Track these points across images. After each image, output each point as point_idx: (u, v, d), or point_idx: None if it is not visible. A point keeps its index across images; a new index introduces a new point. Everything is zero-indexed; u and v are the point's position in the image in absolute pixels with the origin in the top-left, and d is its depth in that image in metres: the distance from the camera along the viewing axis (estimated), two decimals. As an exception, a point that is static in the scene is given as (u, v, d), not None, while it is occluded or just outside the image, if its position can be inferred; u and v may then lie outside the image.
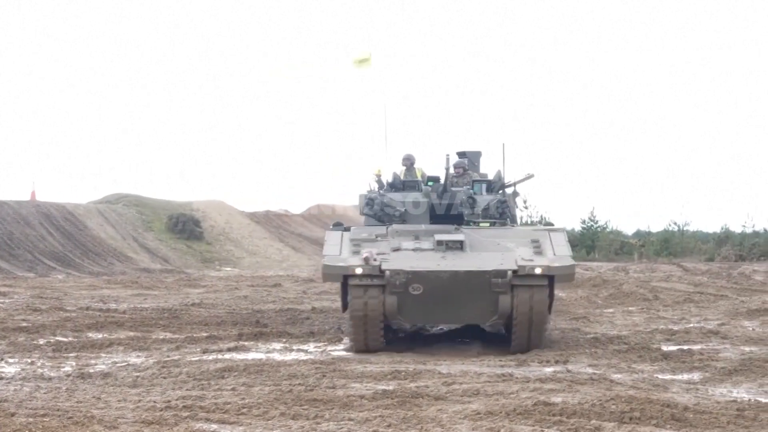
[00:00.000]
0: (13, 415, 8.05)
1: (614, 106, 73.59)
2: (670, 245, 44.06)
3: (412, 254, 12.43)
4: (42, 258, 33.60)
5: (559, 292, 22.13)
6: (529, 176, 14.43)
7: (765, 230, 44.31)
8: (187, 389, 9.55)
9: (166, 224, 42.60)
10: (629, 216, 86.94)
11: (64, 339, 13.89)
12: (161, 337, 14.27)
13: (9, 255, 32.70)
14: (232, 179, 66.76)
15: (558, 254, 12.29)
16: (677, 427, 7.80)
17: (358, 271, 12.13)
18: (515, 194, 14.59)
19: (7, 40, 66.80)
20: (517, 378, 10.08)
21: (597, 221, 45.93)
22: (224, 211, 46.86)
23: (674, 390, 9.67)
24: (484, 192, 14.03)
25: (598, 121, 70.29)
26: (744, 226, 44.84)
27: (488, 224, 13.21)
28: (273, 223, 48.63)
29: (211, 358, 12.02)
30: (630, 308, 19.55)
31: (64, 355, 12.34)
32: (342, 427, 7.67)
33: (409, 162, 14.51)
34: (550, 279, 12.16)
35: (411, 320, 12.71)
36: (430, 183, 13.74)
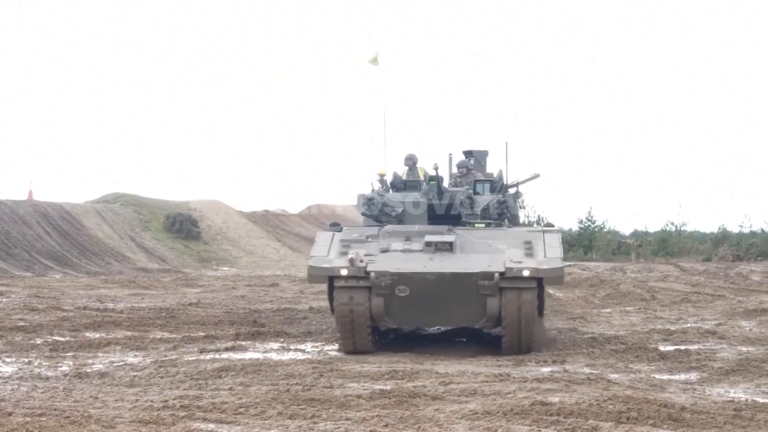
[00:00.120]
0: (10, 414, 8.05)
1: (612, 107, 73.66)
2: (668, 245, 44.09)
3: (401, 255, 12.31)
4: (39, 257, 33.57)
5: (556, 292, 22.17)
6: (535, 176, 14.27)
7: (762, 230, 44.34)
8: (184, 389, 9.55)
9: (164, 224, 42.58)
10: (626, 216, 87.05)
11: (62, 338, 13.89)
12: (158, 336, 14.27)
13: (6, 254, 32.66)
14: (232, 179, 66.77)
15: (549, 256, 12.14)
16: (674, 427, 7.80)
17: (343, 272, 12.05)
18: (518, 194, 14.47)
19: (6, 40, 66.78)
20: (514, 378, 10.08)
21: (594, 221, 45.98)
22: (221, 210, 46.85)
23: (671, 390, 9.68)
24: (487, 192, 13.88)
25: (596, 121, 70.37)
26: (741, 226, 44.92)
27: (483, 225, 13.06)
28: (270, 222, 48.62)
29: (208, 357, 12.02)
30: (627, 308, 19.56)
31: (62, 354, 12.33)
32: (339, 427, 7.67)
33: (411, 162, 14.38)
34: (539, 281, 12.03)
35: (399, 322, 12.56)
36: (432, 183, 13.64)
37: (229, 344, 13.20)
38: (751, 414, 8.27)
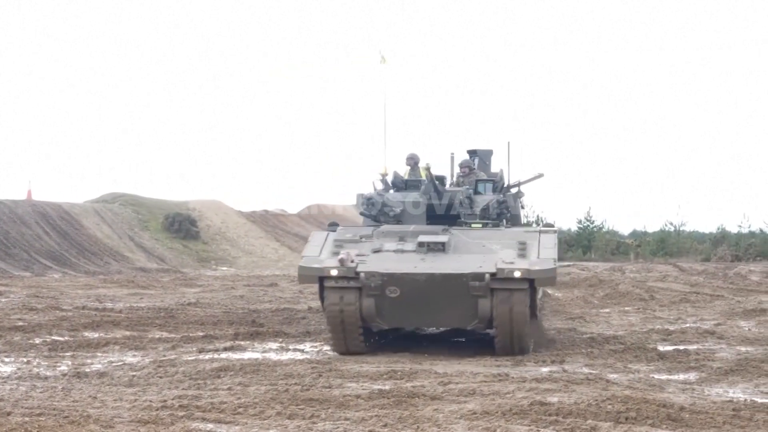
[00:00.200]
0: (9, 414, 8.05)
1: (611, 107, 73.68)
2: (667, 245, 44.13)
3: (392, 256, 12.22)
4: (38, 257, 33.56)
5: (555, 292, 22.18)
6: (539, 176, 14.10)
7: (761, 231, 44.40)
8: (183, 389, 9.55)
9: (163, 224, 42.58)
10: (625, 216, 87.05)
11: (60, 338, 13.88)
12: (157, 336, 14.26)
13: (5, 254, 32.66)
14: (231, 179, 66.74)
15: (542, 257, 11.98)
16: (673, 427, 7.80)
17: (333, 272, 11.97)
18: (520, 194, 14.32)
19: (6, 40, 66.75)
20: (513, 378, 10.08)
21: (593, 221, 46.01)
22: (220, 210, 46.85)
23: (670, 390, 9.68)
24: (489, 191, 13.75)
25: (596, 121, 70.38)
26: (740, 226, 45.00)
27: (480, 225, 12.93)
28: (269, 222, 48.62)
29: (207, 357, 12.01)
30: (626, 308, 19.57)
31: (60, 354, 12.33)
32: (338, 427, 7.67)
33: (413, 161, 14.27)
34: (530, 282, 11.89)
35: (390, 323, 12.44)
36: (434, 182, 13.55)
37: (228, 344, 13.20)
38: (749, 414, 8.27)
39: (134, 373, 10.62)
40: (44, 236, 35.90)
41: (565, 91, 69.82)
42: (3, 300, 20.24)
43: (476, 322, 12.08)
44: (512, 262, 11.84)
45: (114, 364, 11.50)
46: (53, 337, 13.96)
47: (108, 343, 13.24)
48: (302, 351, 12.72)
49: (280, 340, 13.88)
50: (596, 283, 24.98)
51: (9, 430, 7.41)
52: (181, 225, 42.36)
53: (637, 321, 17.07)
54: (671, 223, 46.40)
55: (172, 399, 8.81)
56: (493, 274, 11.71)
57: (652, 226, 48.88)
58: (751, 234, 44.09)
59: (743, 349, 13.10)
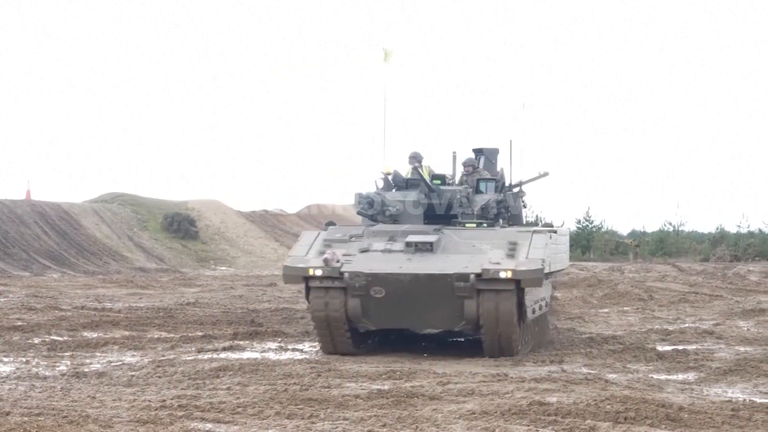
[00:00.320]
0: (8, 414, 8.05)
1: (610, 107, 73.68)
2: (666, 245, 44.14)
3: (379, 256, 12.09)
4: (37, 257, 33.55)
5: (554, 292, 22.15)
6: (543, 174, 13.89)
7: (760, 231, 44.43)
8: (182, 388, 9.55)
9: (162, 223, 42.56)
10: (624, 216, 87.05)
11: (59, 338, 13.88)
12: (156, 336, 14.26)
13: (4, 254, 32.65)
14: (231, 179, 66.67)
15: (530, 257, 11.75)
16: (672, 427, 7.81)
17: (317, 272, 11.89)
18: (521, 193, 14.12)
19: (5, 39, 66.71)
20: (512, 378, 10.08)
21: (592, 221, 46.00)
22: (219, 210, 46.83)
23: (669, 390, 9.69)
24: (491, 190, 13.56)
25: (595, 121, 70.35)
26: (739, 226, 45.03)
27: (474, 225, 12.77)
28: (269, 222, 48.61)
29: (206, 357, 12.01)
30: (625, 308, 19.58)
31: (59, 354, 12.33)
32: (337, 427, 7.67)
33: (416, 160, 14.12)
34: (517, 283, 11.66)
35: (377, 324, 12.24)
36: (435, 181, 13.46)
37: (227, 344, 13.20)
38: (748, 414, 8.27)
39: (133, 373, 10.61)
40: (43, 236, 35.89)
41: (565, 91, 69.80)
42: (2, 300, 20.23)
43: (463, 324, 11.92)
44: (498, 263, 11.66)
45: (113, 364, 11.50)
46: (52, 337, 13.96)
47: (107, 343, 13.24)
48: (301, 351, 12.71)
49: (279, 340, 13.88)
50: (595, 283, 24.99)
51: (8, 429, 7.41)
52: (180, 225, 42.34)
53: (636, 321, 17.08)
54: (670, 223, 46.45)
55: (171, 399, 8.81)
56: (478, 275, 11.55)
57: (651, 226, 48.93)
58: (750, 234, 44.12)
59: (742, 349, 13.11)
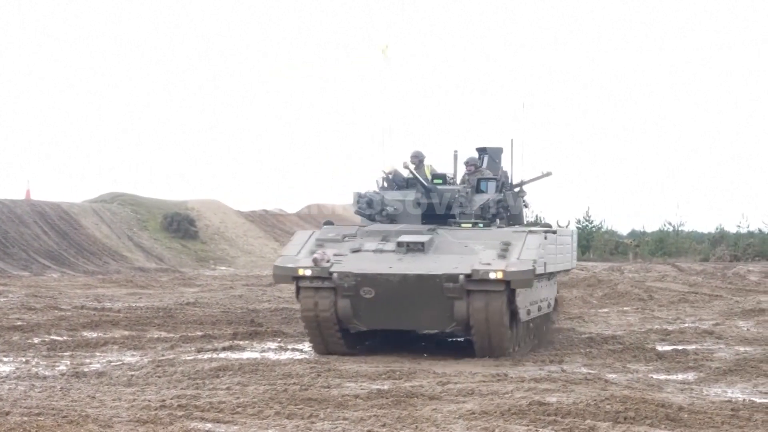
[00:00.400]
0: (7, 414, 8.05)
1: (610, 107, 73.65)
2: (665, 245, 44.14)
3: (370, 256, 12.00)
4: (37, 257, 33.54)
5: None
6: (547, 174, 13.78)
7: (760, 230, 44.43)
8: (181, 388, 9.55)
9: (161, 223, 42.54)
10: (624, 216, 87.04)
11: (59, 338, 13.88)
12: (156, 336, 14.26)
13: (4, 254, 32.64)
14: (231, 179, 66.62)
15: (522, 258, 11.58)
16: (672, 427, 7.81)
17: (307, 272, 11.83)
18: (522, 193, 13.99)
19: (5, 39, 66.70)
20: (511, 378, 10.08)
21: (592, 221, 45.99)
22: (219, 210, 46.81)
23: (669, 390, 9.69)
24: (492, 190, 13.42)
25: (594, 121, 70.32)
26: (739, 226, 45.02)
27: (470, 225, 12.65)
28: (268, 222, 48.61)
29: (205, 357, 12.01)
30: (625, 308, 19.58)
31: (59, 354, 12.33)
32: (337, 427, 7.67)
33: (417, 159, 13.91)
34: (507, 284, 11.50)
35: (367, 325, 12.15)
36: (437, 181, 13.39)
37: (227, 344, 13.19)
38: (748, 414, 8.28)
39: (133, 373, 10.61)
40: (43, 236, 35.88)
41: (565, 91, 69.79)
42: (2, 299, 20.23)
43: (454, 325, 11.81)
44: (489, 263, 11.53)
45: (113, 363, 11.50)
46: (52, 337, 13.96)
47: (107, 343, 13.24)
48: (301, 351, 12.71)
49: (279, 339, 13.88)
50: (595, 283, 24.99)
51: (8, 429, 7.41)
52: (180, 225, 42.32)
53: (635, 321, 17.09)
54: (670, 223, 46.44)
55: (171, 399, 8.81)
56: (468, 276, 11.44)
57: (651, 226, 48.90)
58: (750, 234, 44.12)
59: (742, 349, 13.11)
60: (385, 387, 9.47)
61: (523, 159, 14.05)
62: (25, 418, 7.81)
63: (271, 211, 50.58)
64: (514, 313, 11.96)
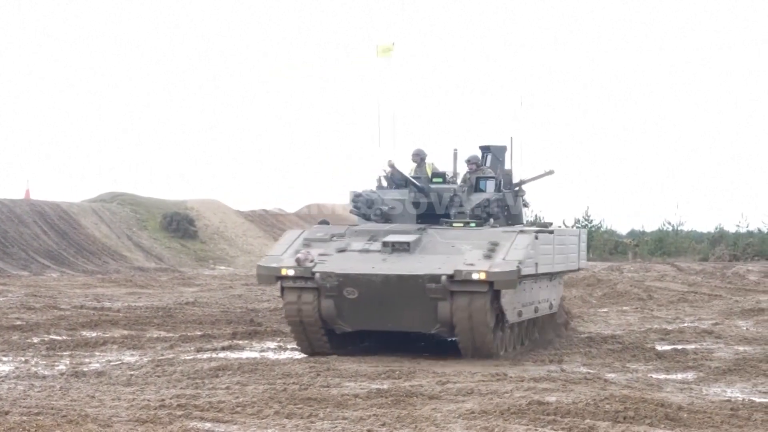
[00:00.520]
0: (7, 413, 8.04)
1: (610, 106, 73.67)
2: (665, 245, 44.14)
3: (356, 256, 11.88)
4: (36, 256, 33.54)
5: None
6: (549, 173, 13.61)
7: (759, 230, 44.45)
8: (181, 388, 9.54)
9: (161, 223, 42.55)
10: (624, 215, 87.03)
11: (58, 337, 13.88)
12: (155, 335, 14.26)
13: (3, 253, 32.64)
14: (231, 179, 66.64)
15: (507, 258, 11.37)
16: (671, 426, 7.81)
17: (289, 272, 11.75)
18: (521, 192, 13.87)
19: (5, 39, 66.70)
20: (511, 377, 10.08)
21: (591, 221, 45.98)
22: (219, 210, 46.82)
23: (668, 389, 9.69)
24: (491, 189, 13.27)
25: (594, 120, 70.35)
26: (738, 226, 45.04)
27: (462, 224, 12.46)
28: (268, 222, 48.61)
29: (205, 356, 12.01)
30: (624, 308, 19.58)
31: (58, 353, 12.32)
32: (336, 426, 7.67)
33: (419, 157, 13.80)
34: (491, 285, 11.30)
35: (352, 325, 12.05)
36: (437, 180, 13.29)
37: (226, 343, 13.20)
38: (747, 413, 8.28)
39: (132, 373, 10.61)
40: (42, 235, 35.88)
41: (564, 90, 69.79)
42: (1, 299, 20.23)
43: (438, 326, 11.69)
44: (473, 264, 11.35)
45: (112, 363, 11.50)
46: (51, 337, 13.96)
47: (106, 343, 13.24)
48: (300, 350, 12.70)
49: (279, 339, 13.88)
50: (594, 283, 25.00)
51: (7, 429, 7.41)
52: (180, 224, 42.33)
53: (635, 320, 17.09)
54: (669, 223, 46.46)
55: (170, 398, 8.81)
56: (450, 276, 11.27)
57: (651, 226, 48.90)
58: (749, 234, 44.13)
59: (741, 348, 13.11)
60: (385, 386, 9.47)
61: (523, 158, 14.00)
62: (25, 418, 7.81)
63: (270, 211, 50.58)
64: (501, 315, 11.79)
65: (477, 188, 13.30)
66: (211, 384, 9.77)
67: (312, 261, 11.77)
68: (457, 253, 11.64)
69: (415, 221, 12.92)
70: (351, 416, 8.05)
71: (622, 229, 50.76)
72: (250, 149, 69.35)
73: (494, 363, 11.38)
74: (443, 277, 11.26)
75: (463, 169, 13.89)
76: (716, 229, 46.55)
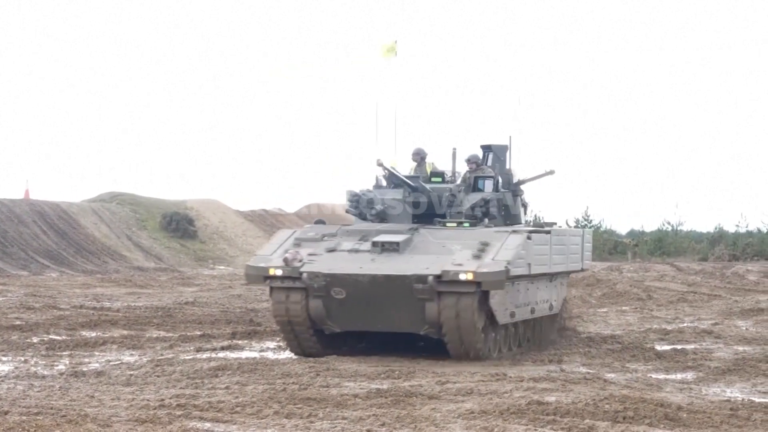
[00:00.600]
0: (6, 413, 8.04)
1: (610, 106, 73.64)
2: (664, 245, 44.12)
3: (345, 256, 11.80)
4: (36, 256, 33.54)
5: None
6: (549, 172, 13.55)
7: (759, 230, 44.43)
8: (180, 388, 9.54)
9: (160, 223, 42.54)
10: (623, 215, 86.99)
11: (58, 337, 13.88)
12: (155, 335, 14.26)
13: (3, 253, 32.64)
14: (230, 179, 66.64)
15: (497, 258, 11.25)
16: (671, 426, 7.81)
17: (277, 272, 11.69)
18: (519, 192, 13.74)
19: (5, 39, 66.69)
20: (510, 377, 10.08)
21: (591, 220, 45.97)
22: (218, 209, 46.82)
23: (668, 389, 9.69)
24: (489, 188, 13.19)
25: (594, 120, 70.33)
26: (738, 225, 45.00)
27: (455, 224, 12.34)
28: (267, 221, 48.61)
29: (204, 356, 12.01)
30: (624, 308, 19.59)
31: (58, 353, 12.32)
32: (336, 426, 7.67)
33: (419, 157, 13.75)
34: (478, 285, 11.17)
35: (341, 326, 11.96)
36: (436, 179, 13.24)
37: (226, 343, 13.20)
38: (747, 413, 8.28)
39: (132, 372, 10.61)
40: (42, 235, 35.88)
41: (564, 90, 69.78)
42: (1, 299, 20.23)
43: (427, 327, 11.60)
44: (461, 264, 11.25)
45: (111, 363, 11.50)
46: (51, 336, 13.96)
47: (105, 342, 13.24)
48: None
49: (278, 339, 13.86)
50: (594, 283, 24.99)
51: (7, 429, 7.41)
52: (179, 224, 42.32)
53: (634, 320, 17.09)
54: (669, 223, 46.42)
55: (170, 398, 8.81)
56: (437, 277, 11.17)
57: (650, 226, 48.85)
58: (749, 233, 44.11)
59: (741, 348, 13.12)
60: (384, 386, 9.47)
61: (522, 157, 13.97)
62: (24, 418, 7.81)
63: (270, 211, 50.56)
64: (490, 316, 11.69)
65: (475, 188, 13.21)
66: (211, 384, 9.77)
67: (300, 261, 11.71)
68: (447, 253, 11.55)
69: (412, 221, 12.81)
70: (350, 416, 8.05)
71: (622, 229, 50.76)
72: (250, 149, 69.32)
73: (494, 363, 11.38)
74: (430, 278, 11.18)
75: (462, 169, 13.83)
76: (716, 229, 46.53)
